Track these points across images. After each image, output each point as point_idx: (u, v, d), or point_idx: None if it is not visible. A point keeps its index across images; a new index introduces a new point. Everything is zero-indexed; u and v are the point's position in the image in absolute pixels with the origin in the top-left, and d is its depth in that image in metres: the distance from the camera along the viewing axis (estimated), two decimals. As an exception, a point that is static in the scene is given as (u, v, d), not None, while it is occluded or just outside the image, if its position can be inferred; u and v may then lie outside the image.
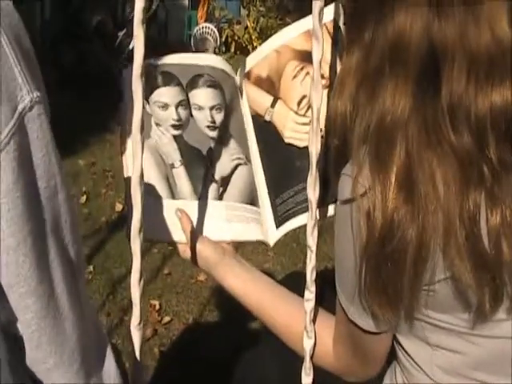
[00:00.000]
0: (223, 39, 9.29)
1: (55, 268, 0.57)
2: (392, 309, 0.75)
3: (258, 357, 1.20)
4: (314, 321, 0.81)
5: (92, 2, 5.46)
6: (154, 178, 1.02)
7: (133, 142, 0.51)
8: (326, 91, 0.95)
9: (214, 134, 1.05)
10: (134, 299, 0.56)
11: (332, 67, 0.97)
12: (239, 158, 1.05)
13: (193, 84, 1.05)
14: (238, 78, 1.07)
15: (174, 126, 1.04)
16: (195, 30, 9.04)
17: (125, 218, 3.06)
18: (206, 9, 9.27)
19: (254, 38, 9.32)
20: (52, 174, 0.56)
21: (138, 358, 0.58)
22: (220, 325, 2.35)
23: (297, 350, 0.91)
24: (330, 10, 0.96)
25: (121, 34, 5.61)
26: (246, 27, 9.37)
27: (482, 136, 0.69)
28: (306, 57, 1.01)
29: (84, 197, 3.51)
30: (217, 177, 1.03)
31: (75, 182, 3.65)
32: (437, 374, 0.81)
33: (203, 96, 1.05)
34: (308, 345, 0.79)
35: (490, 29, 0.68)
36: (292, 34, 1.03)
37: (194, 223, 1.00)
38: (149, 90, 1.05)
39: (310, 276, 0.70)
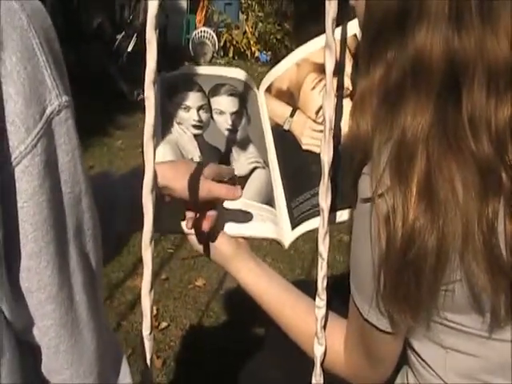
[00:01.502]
0: (221, 44, 9.28)
1: (76, 276, 0.56)
2: (412, 314, 0.76)
3: (262, 364, 1.19)
4: (324, 327, 0.81)
5: (92, 5, 5.46)
6: None
7: (144, 150, 0.50)
8: (347, 100, 0.99)
9: (233, 136, 1.08)
10: (145, 309, 0.55)
11: (353, 80, 1.00)
12: (257, 162, 1.07)
13: (215, 91, 1.10)
14: (258, 92, 1.12)
15: (195, 126, 1.07)
16: (193, 34, 9.03)
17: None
18: (204, 13, 9.26)
19: (252, 42, 9.32)
20: (77, 181, 0.55)
21: (149, 366, 0.57)
22: (218, 331, 2.34)
23: (306, 351, 0.92)
24: (352, 25, 1.00)
25: (119, 36, 5.61)
26: (245, 32, 9.37)
27: (501, 145, 0.70)
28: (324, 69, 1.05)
29: (82, 200, 3.49)
30: None
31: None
32: (450, 377, 0.81)
33: (224, 102, 1.09)
34: (318, 351, 0.79)
35: (509, 40, 0.69)
36: (312, 48, 1.08)
37: None
38: (172, 93, 1.09)
39: (322, 283, 0.70)
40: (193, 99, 1.09)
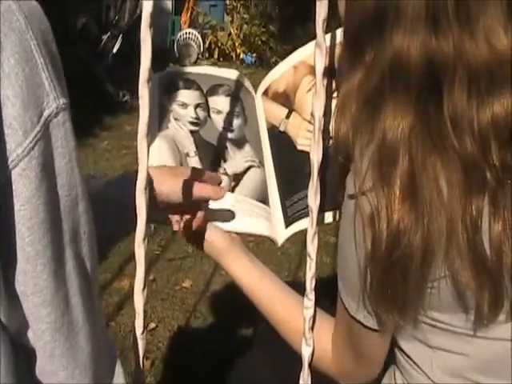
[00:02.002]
0: (206, 45, 9.28)
1: (72, 280, 0.56)
2: (399, 313, 0.76)
3: (251, 364, 1.19)
4: (312, 328, 0.81)
5: (76, 5, 5.43)
6: (169, 164, 1.04)
7: (138, 149, 0.50)
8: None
9: (230, 135, 1.09)
10: (138, 308, 0.55)
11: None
12: (253, 161, 1.08)
13: (213, 91, 1.11)
14: (255, 94, 1.13)
15: (192, 123, 1.08)
16: (178, 36, 9.02)
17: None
18: (189, 14, 9.25)
19: (237, 44, 9.33)
20: (74, 184, 0.55)
21: (142, 366, 0.57)
22: (205, 332, 2.33)
23: (295, 347, 0.92)
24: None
25: (105, 37, 5.59)
26: (230, 34, 9.38)
27: (485, 144, 0.71)
28: None
29: (67, 202, 3.47)
30: (229, 172, 1.06)
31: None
32: (437, 376, 0.82)
33: (222, 102, 1.10)
34: (306, 352, 0.79)
35: (487, 42, 0.70)
36: (309, 51, 1.08)
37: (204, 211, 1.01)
38: (170, 90, 1.10)
39: (310, 284, 0.70)
40: (190, 97, 1.10)
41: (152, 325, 2.35)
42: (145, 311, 0.54)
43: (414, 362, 0.84)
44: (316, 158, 0.68)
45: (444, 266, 0.73)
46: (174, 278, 2.71)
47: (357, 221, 0.74)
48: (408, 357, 0.85)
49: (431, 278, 0.74)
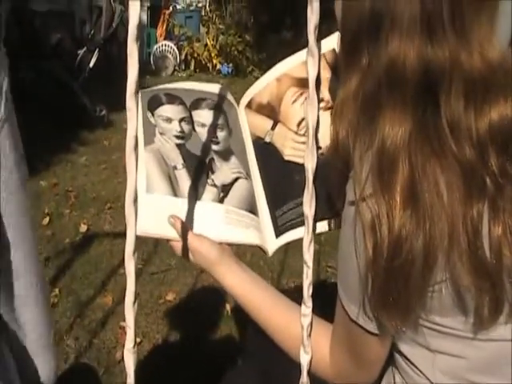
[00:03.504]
0: (183, 57, 9.28)
1: None
2: (401, 319, 0.77)
3: (241, 373, 1.19)
4: (310, 335, 0.81)
5: (50, 21, 5.39)
6: (156, 176, 1.04)
7: (127, 163, 0.50)
8: (327, 113, 1.01)
9: (216, 147, 1.09)
10: (129, 322, 0.54)
11: (332, 94, 1.02)
12: (240, 172, 1.08)
13: (196, 105, 1.11)
14: (237, 107, 1.14)
15: (177, 137, 1.08)
16: (154, 48, 9.02)
17: (89, 238, 2.99)
18: (165, 26, 9.26)
19: (213, 55, 9.34)
20: None
21: (133, 382, 0.56)
22: (190, 345, 2.32)
23: (292, 355, 0.92)
24: (328, 41, 1.03)
25: (81, 52, 5.55)
26: (206, 45, 9.39)
27: (483, 150, 0.71)
28: (305, 83, 1.06)
29: (47, 218, 3.43)
30: (217, 183, 1.06)
31: (37, 204, 3.57)
32: (438, 378, 0.82)
33: (206, 115, 1.10)
34: (305, 360, 0.78)
35: (480, 51, 0.70)
36: (292, 64, 1.09)
37: (194, 222, 1.02)
38: (153, 106, 1.10)
39: (307, 291, 0.70)
40: (174, 112, 1.10)
41: (137, 339, 2.33)
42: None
43: (415, 366, 0.84)
44: (310, 166, 0.67)
45: (445, 270, 0.73)
46: (157, 292, 2.69)
47: (357, 227, 0.74)
48: (409, 360, 0.85)
49: (432, 282, 0.74)
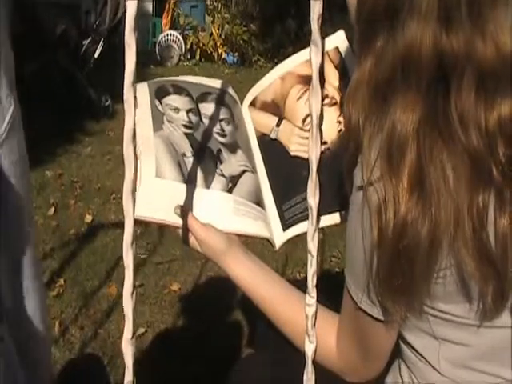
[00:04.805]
0: (188, 46, 9.28)
1: None
2: (406, 303, 0.77)
3: (252, 362, 1.19)
4: (315, 325, 0.81)
5: (54, 12, 5.38)
6: (166, 161, 1.03)
7: (124, 154, 0.50)
8: (331, 110, 1.02)
9: (223, 139, 1.09)
10: (127, 313, 0.54)
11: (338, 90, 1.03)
12: (246, 166, 1.09)
13: (202, 98, 1.12)
14: (240, 104, 1.15)
15: (185, 126, 1.08)
16: (160, 38, 9.01)
17: (94, 229, 3.00)
18: (170, 16, 9.25)
19: (218, 44, 9.33)
20: None
21: (131, 373, 0.56)
22: (195, 335, 2.33)
23: (298, 346, 0.92)
24: (332, 39, 1.06)
25: (86, 42, 5.54)
26: (211, 34, 9.38)
27: (491, 141, 0.71)
28: (309, 81, 1.07)
29: (52, 209, 3.43)
30: (226, 174, 1.06)
31: (42, 194, 3.59)
32: (444, 367, 0.83)
33: (212, 109, 1.11)
34: (310, 350, 0.79)
35: (494, 42, 0.70)
36: (296, 62, 1.11)
37: (202, 210, 1.01)
38: (161, 96, 1.10)
39: (311, 281, 0.70)
40: (182, 102, 1.10)
41: (141, 330, 2.34)
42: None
43: (421, 355, 0.85)
44: (314, 156, 0.67)
45: (450, 256, 0.74)
46: (162, 282, 2.70)
47: (364, 211, 0.75)
48: (414, 349, 0.86)
49: (437, 268, 0.75)
